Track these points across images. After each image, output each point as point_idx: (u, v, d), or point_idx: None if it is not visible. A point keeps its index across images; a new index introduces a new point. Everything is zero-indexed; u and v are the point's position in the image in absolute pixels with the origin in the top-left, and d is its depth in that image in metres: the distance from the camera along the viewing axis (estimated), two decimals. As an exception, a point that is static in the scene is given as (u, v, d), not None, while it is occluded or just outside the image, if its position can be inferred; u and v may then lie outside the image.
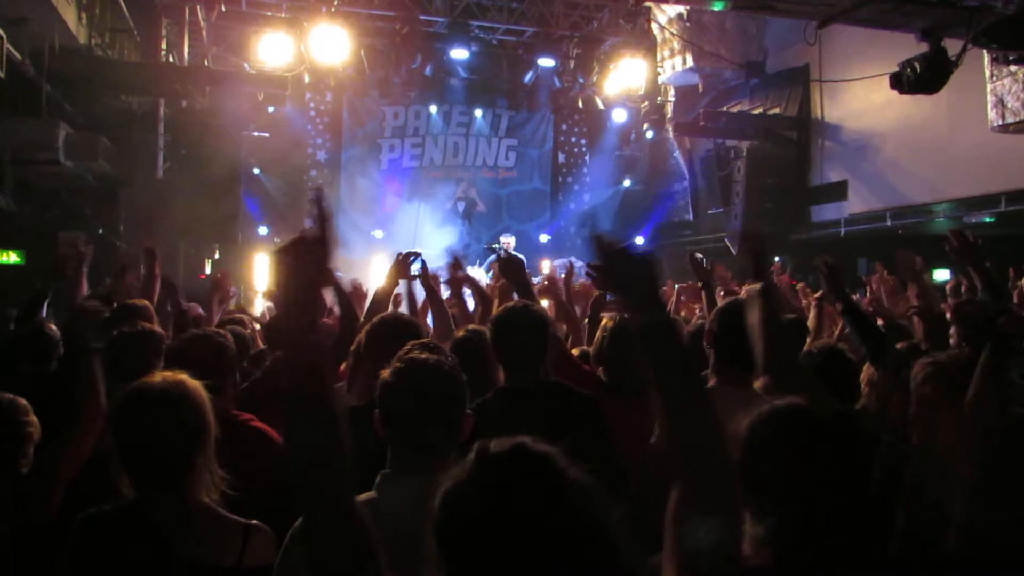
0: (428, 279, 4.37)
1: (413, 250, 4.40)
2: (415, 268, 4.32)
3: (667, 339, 1.45)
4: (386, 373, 2.01)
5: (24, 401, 2.69)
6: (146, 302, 4.21)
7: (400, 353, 2.05)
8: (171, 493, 1.99)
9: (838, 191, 12.66)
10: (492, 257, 14.70)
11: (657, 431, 2.99)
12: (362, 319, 3.90)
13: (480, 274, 14.58)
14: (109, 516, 1.97)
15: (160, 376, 2.10)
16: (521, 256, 9.60)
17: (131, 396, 2.05)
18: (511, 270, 3.78)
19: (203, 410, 2.07)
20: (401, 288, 4.40)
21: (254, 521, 2.04)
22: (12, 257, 9.66)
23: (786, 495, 1.60)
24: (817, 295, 5.03)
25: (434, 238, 15.51)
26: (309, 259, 1.46)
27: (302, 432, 1.41)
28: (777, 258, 12.88)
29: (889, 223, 11.42)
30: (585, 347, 4.12)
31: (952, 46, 7.66)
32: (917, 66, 7.84)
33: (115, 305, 4.23)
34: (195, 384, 2.09)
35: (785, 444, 1.71)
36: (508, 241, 14.48)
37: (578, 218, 18.01)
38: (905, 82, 8.04)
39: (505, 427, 1.33)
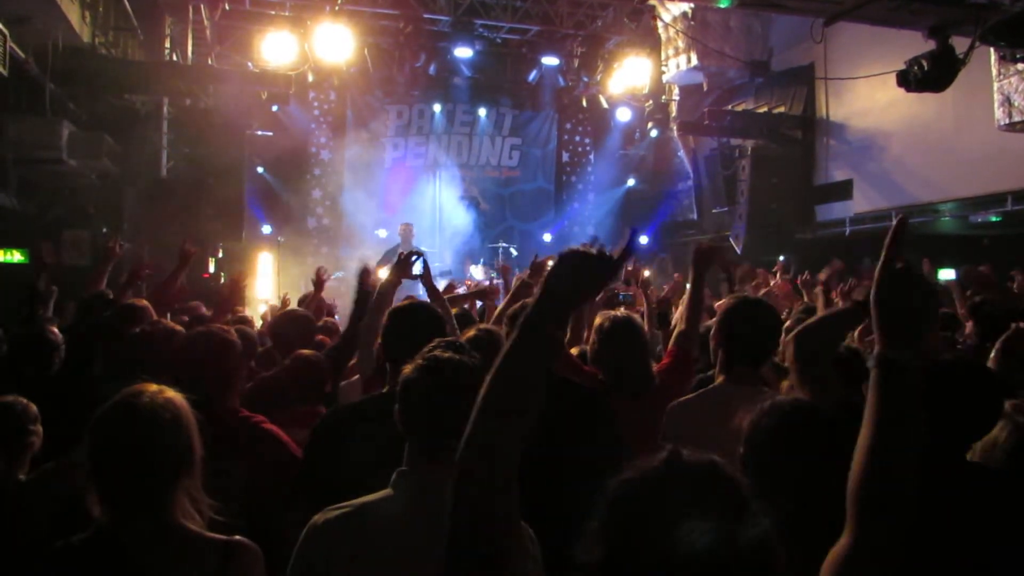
0: (430, 279, 4.36)
1: (414, 250, 4.38)
2: (417, 268, 4.30)
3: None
4: (408, 369, 2.00)
5: (35, 409, 2.66)
6: (145, 302, 4.19)
7: (424, 350, 2.03)
8: (147, 518, 1.88)
9: (843, 190, 12.62)
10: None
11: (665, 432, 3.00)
12: (368, 314, 3.90)
13: (480, 273, 14.59)
14: (78, 549, 1.85)
15: (149, 391, 1.97)
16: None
17: (116, 410, 1.93)
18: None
19: (191, 432, 1.95)
20: (412, 288, 4.39)
21: (236, 537, 1.94)
22: (16, 256, 9.66)
23: (786, 487, 1.60)
24: (823, 278, 5.01)
25: (437, 238, 15.52)
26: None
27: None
28: (781, 257, 12.85)
29: (894, 222, 11.36)
30: (584, 346, 4.10)
31: (959, 44, 7.62)
32: (924, 64, 7.80)
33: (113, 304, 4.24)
34: (185, 404, 1.97)
35: (784, 437, 1.72)
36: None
37: (582, 219, 18.00)
38: (912, 80, 8.00)
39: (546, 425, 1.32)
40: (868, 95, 11.58)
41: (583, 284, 1.43)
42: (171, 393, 1.98)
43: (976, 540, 1.95)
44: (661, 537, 1.10)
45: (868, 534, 1.28)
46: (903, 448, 1.31)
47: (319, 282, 6.17)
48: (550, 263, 1.50)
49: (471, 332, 3.12)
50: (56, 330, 3.90)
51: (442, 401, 1.93)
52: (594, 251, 1.43)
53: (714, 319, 3.90)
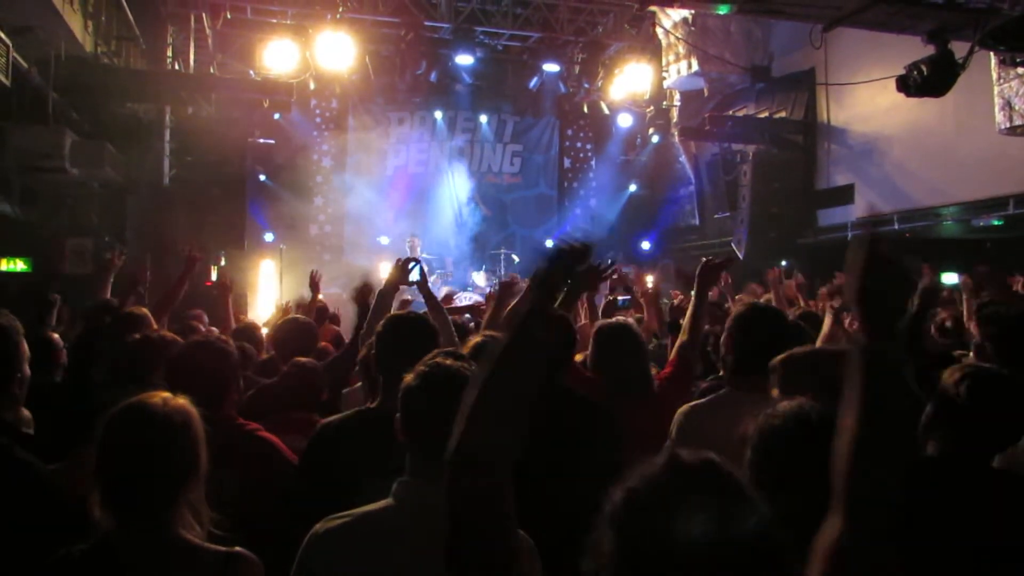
0: (426, 286, 4.37)
1: (412, 256, 4.41)
2: (414, 275, 4.31)
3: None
4: (409, 378, 2.00)
5: (18, 324, 2.67)
6: (145, 310, 4.20)
7: (425, 359, 2.03)
8: (149, 528, 1.86)
9: (845, 195, 12.61)
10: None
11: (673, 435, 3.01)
12: (368, 318, 3.92)
13: (483, 279, 14.60)
14: (77, 560, 1.83)
15: (160, 396, 1.95)
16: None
17: (127, 414, 1.91)
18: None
19: (199, 441, 1.94)
20: (410, 293, 4.41)
21: (237, 549, 1.92)
22: (19, 265, 9.68)
23: (793, 492, 1.61)
24: (833, 302, 5.00)
25: (441, 243, 15.53)
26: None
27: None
28: (783, 262, 12.84)
29: (896, 226, 11.37)
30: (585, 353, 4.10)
31: (959, 48, 7.64)
32: (924, 68, 7.82)
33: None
34: (195, 412, 1.96)
35: (791, 441, 1.73)
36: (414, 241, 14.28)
37: (584, 224, 18.01)
38: (912, 85, 8.01)
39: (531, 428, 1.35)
40: (869, 99, 11.59)
41: (558, 270, 1.52)
42: (182, 400, 1.97)
43: (1004, 546, 1.95)
44: (669, 540, 1.11)
45: (859, 523, 1.29)
46: (890, 438, 1.33)
47: (314, 285, 6.20)
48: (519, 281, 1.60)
49: (476, 339, 3.14)
50: (58, 336, 3.90)
51: (443, 410, 1.93)
52: (569, 244, 1.51)
53: (713, 325, 3.91)
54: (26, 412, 2.86)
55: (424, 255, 14.17)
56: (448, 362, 2.00)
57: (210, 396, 2.38)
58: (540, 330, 1.42)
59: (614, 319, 3.73)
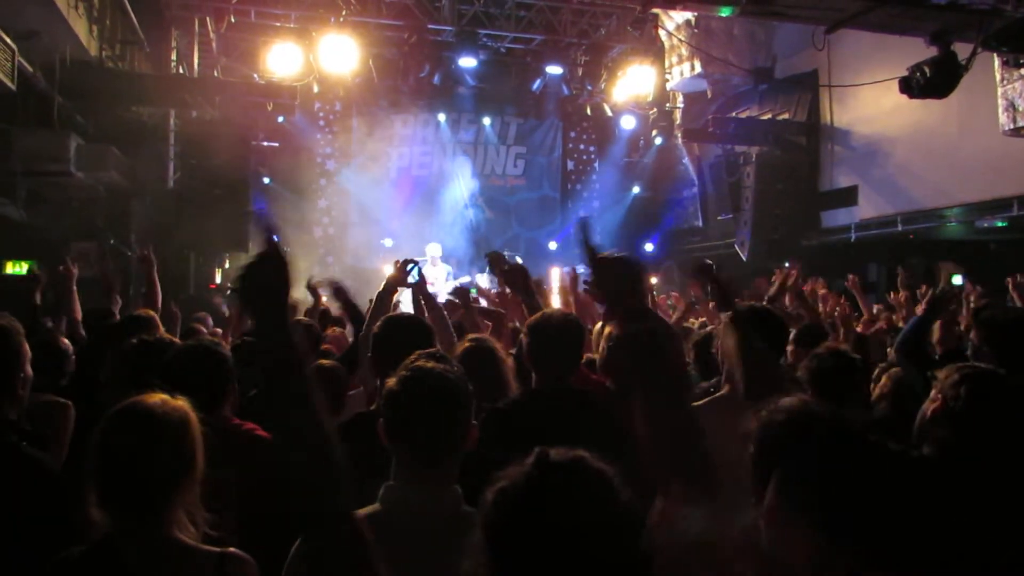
0: (424, 288, 4.36)
1: (410, 258, 4.39)
2: (412, 277, 4.31)
3: (646, 346, 1.47)
4: (392, 382, 1.99)
5: (19, 324, 2.70)
6: (151, 312, 4.21)
7: (406, 362, 2.02)
8: (145, 529, 1.86)
9: (848, 196, 12.61)
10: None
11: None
12: (367, 320, 3.93)
13: (486, 281, 14.59)
14: (76, 561, 1.84)
15: (157, 397, 1.96)
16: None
17: (123, 414, 1.91)
18: (516, 278, 3.81)
19: (198, 443, 1.94)
20: (405, 296, 4.41)
21: (230, 549, 1.92)
22: (24, 268, 9.71)
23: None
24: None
25: (444, 245, 15.53)
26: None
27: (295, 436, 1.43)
28: (786, 264, 12.82)
29: (900, 228, 11.36)
30: (592, 355, 4.11)
31: (962, 50, 7.63)
32: (927, 70, 7.81)
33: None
34: (192, 413, 1.97)
35: (791, 439, 1.75)
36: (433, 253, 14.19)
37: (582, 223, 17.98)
38: (915, 86, 8.01)
39: (537, 429, 1.35)
40: (872, 101, 11.57)
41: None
42: (180, 401, 1.97)
43: (1008, 547, 1.97)
44: (534, 538, 1.14)
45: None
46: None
47: (312, 289, 6.22)
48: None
49: (465, 344, 3.15)
50: (67, 341, 3.92)
51: (425, 412, 1.93)
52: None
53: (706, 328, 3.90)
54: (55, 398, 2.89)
55: (448, 267, 14.16)
56: (430, 364, 1.99)
57: (206, 398, 2.39)
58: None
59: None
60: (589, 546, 1.14)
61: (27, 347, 2.68)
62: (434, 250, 13.95)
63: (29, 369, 2.68)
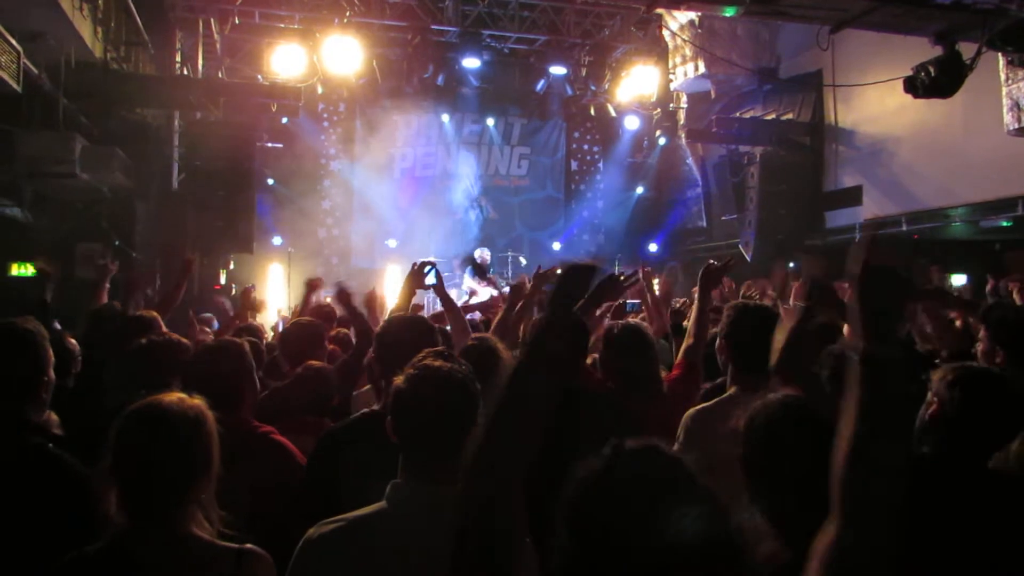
0: (443, 289, 4.36)
1: (427, 260, 4.36)
2: (430, 279, 4.29)
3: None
4: (400, 380, 2.00)
5: (44, 329, 2.71)
6: (155, 314, 4.22)
7: (414, 360, 2.03)
8: (161, 526, 1.88)
9: (853, 196, 12.59)
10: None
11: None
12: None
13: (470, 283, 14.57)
14: (91, 558, 1.85)
15: (174, 396, 1.98)
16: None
17: (141, 411, 1.93)
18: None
19: (214, 442, 1.96)
20: (418, 298, 4.39)
21: (248, 545, 1.94)
22: (29, 269, 9.73)
23: (783, 483, 1.64)
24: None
25: (448, 247, 15.53)
26: None
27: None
28: (791, 264, 12.81)
29: (905, 228, 11.34)
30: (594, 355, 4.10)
31: (967, 49, 7.62)
32: (931, 70, 7.81)
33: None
34: (209, 413, 1.98)
35: (776, 435, 1.75)
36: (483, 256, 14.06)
37: (592, 227, 18.01)
38: (919, 86, 8.00)
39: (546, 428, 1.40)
40: (877, 100, 11.56)
41: (575, 288, 1.51)
42: (196, 401, 1.99)
43: (999, 547, 1.96)
44: (619, 531, 1.15)
45: (860, 527, 1.30)
46: (891, 441, 1.34)
47: (310, 287, 6.09)
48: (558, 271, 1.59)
49: (468, 342, 3.15)
50: (75, 342, 3.93)
51: (434, 411, 1.93)
52: (588, 263, 1.52)
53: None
54: (53, 415, 2.90)
55: (434, 258, 14.10)
56: (438, 363, 2.00)
57: (226, 399, 2.39)
58: (557, 345, 1.44)
59: (624, 321, 3.74)
60: (675, 532, 1.14)
61: (51, 352, 2.70)
62: (483, 254, 13.74)
63: (52, 373, 2.70)
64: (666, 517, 1.14)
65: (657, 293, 5.68)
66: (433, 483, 1.91)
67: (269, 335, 6.71)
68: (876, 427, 1.33)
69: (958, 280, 9.39)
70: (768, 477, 1.69)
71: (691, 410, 3.12)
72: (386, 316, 4.19)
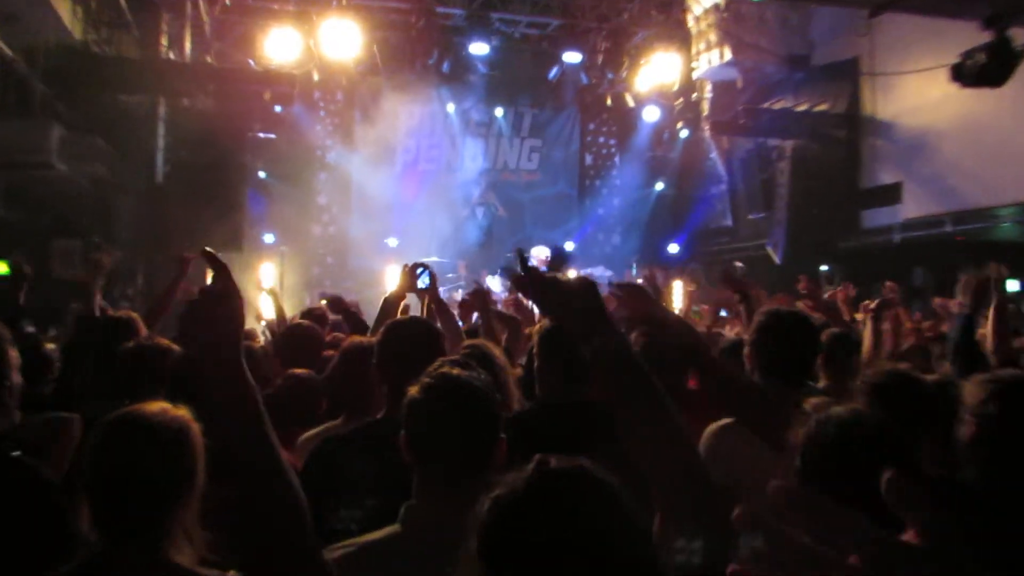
0: (435, 292, 4.35)
1: (420, 261, 4.40)
2: (422, 281, 4.31)
3: (621, 364, 1.55)
4: (414, 390, 1.94)
5: (5, 331, 2.68)
6: (134, 315, 4.18)
7: (429, 369, 1.98)
8: (138, 548, 1.82)
9: (892, 194, 12.51)
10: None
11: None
12: (372, 326, 3.91)
13: (498, 285, 14.55)
14: None
15: (154, 407, 1.93)
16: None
17: (119, 422, 1.90)
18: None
19: (197, 457, 1.90)
20: (411, 300, 4.40)
21: (231, 572, 1.87)
22: (2, 268, 9.73)
23: (846, 497, 1.60)
24: (872, 305, 4.91)
25: (452, 246, 15.52)
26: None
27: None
28: (823, 267, 12.74)
29: (948, 229, 11.26)
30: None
31: (1018, 35, 7.54)
32: (980, 57, 7.73)
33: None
34: (193, 425, 1.93)
35: (845, 447, 1.76)
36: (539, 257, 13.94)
37: (607, 225, 17.97)
38: (967, 74, 7.93)
39: (538, 443, 1.40)
40: (918, 91, 11.48)
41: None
42: (179, 411, 1.94)
43: None
44: (538, 551, 1.13)
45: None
46: None
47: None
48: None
49: (461, 349, 3.11)
50: (52, 347, 3.90)
51: (453, 425, 1.88)
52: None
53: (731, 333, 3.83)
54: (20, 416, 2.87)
55: (436, 258, 14.11)
56: (455, 372, 1.95)
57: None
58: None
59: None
60: (591, 563, 1.13)
61: (14, 353, 2.66)
62: (540, 252, 13.64)
63: (18, 376, 2.66)
64: (589, 549, 1.13)
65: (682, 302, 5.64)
66: (452, 504, 1.85)
67: (261, 340, 6.71)
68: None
69: (1012, 286, 9.28)
70: (831, 490, 1.66)
71: (712, 426, 3.07)
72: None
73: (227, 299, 1.47)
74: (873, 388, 2.58)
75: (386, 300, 4.12)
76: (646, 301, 2.79)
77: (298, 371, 3.66)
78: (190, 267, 5.33)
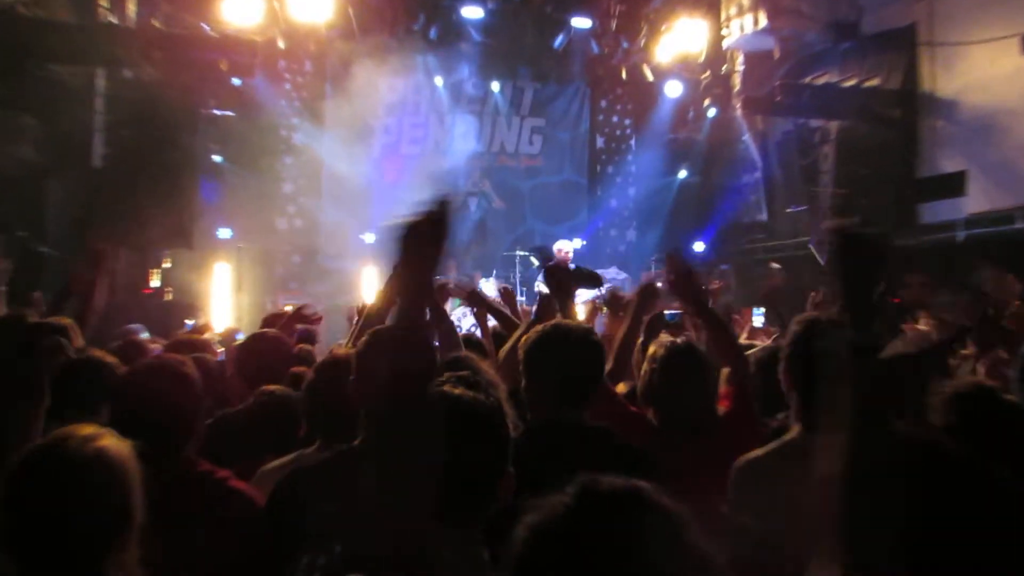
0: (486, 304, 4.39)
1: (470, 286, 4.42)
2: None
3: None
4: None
5: None
6: (69, 320, 4.18)
7: (431, 386, 2.01)
8: None
9: (954, 184, 12.53)
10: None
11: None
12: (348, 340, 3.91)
13: (493, 288, 14.56)
14: None
15: (78, 435, 1.91)
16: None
17: (33, 459, 1.88)
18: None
19: (130, 491, 1.90)
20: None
21: None
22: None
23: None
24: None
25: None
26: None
27: None
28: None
29: (1020, 225, 11.29)
30: (633, 382, 4.08)
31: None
32: (1058, 25, 7.77)
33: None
34: (126, 453, 1.93)
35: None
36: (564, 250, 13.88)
37: (621, 220, 17.98)
38: (1043, 45, 7.96)
39: (529, 473, 1.34)
40: (986, 64, 11.52)
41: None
42: (108, 440, 1.94)
43: None
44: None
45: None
46: None
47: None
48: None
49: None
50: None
51: (459, 451, 1.89)
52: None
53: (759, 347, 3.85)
54: None
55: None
56: (458, 392, 1.97)
57: (167, 434, 2.35)
58: None
59: (674, 338, 3.70)
60: None
61: None
62: (564, 245, 13.65)
63: None
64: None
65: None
66: (448, 545, 1.87)
67: (220, 351, 6.73)
68: None
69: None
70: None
71: (740, 460, 3.08)
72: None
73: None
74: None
75: (367, 316, 4.05)
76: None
77: (272, 388, 3.66)
78: (108, 260, 5.22)
